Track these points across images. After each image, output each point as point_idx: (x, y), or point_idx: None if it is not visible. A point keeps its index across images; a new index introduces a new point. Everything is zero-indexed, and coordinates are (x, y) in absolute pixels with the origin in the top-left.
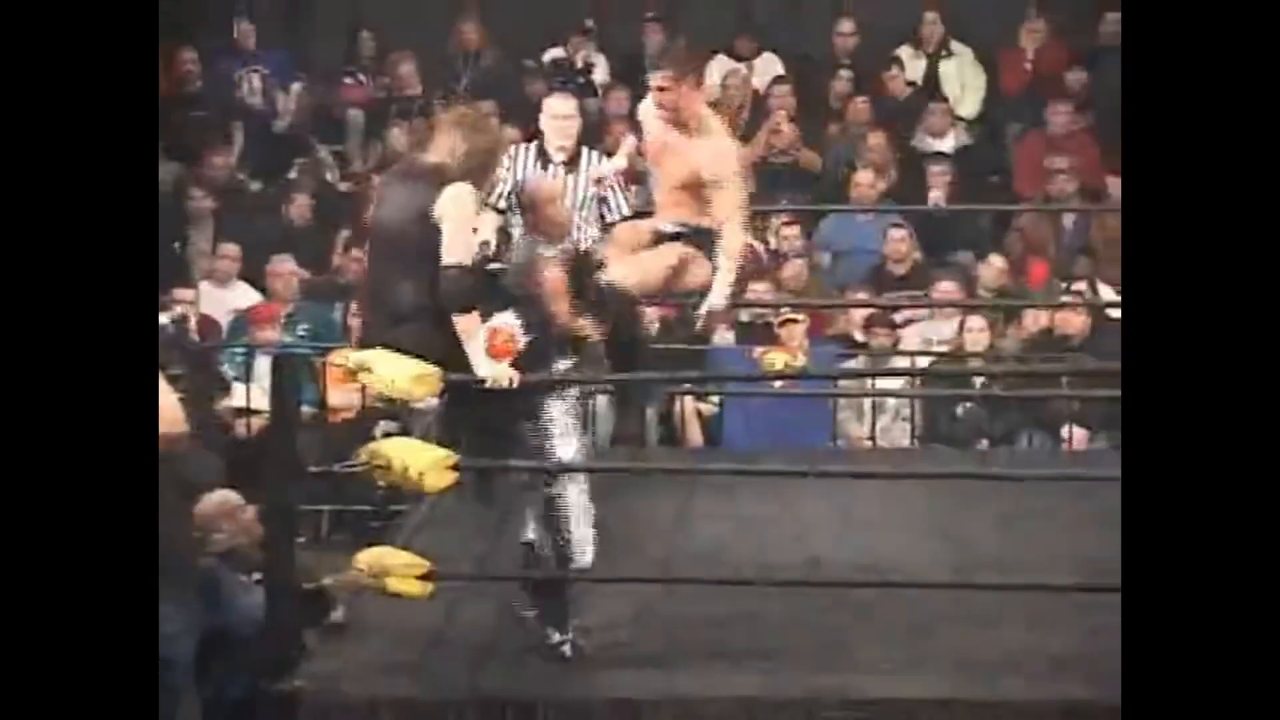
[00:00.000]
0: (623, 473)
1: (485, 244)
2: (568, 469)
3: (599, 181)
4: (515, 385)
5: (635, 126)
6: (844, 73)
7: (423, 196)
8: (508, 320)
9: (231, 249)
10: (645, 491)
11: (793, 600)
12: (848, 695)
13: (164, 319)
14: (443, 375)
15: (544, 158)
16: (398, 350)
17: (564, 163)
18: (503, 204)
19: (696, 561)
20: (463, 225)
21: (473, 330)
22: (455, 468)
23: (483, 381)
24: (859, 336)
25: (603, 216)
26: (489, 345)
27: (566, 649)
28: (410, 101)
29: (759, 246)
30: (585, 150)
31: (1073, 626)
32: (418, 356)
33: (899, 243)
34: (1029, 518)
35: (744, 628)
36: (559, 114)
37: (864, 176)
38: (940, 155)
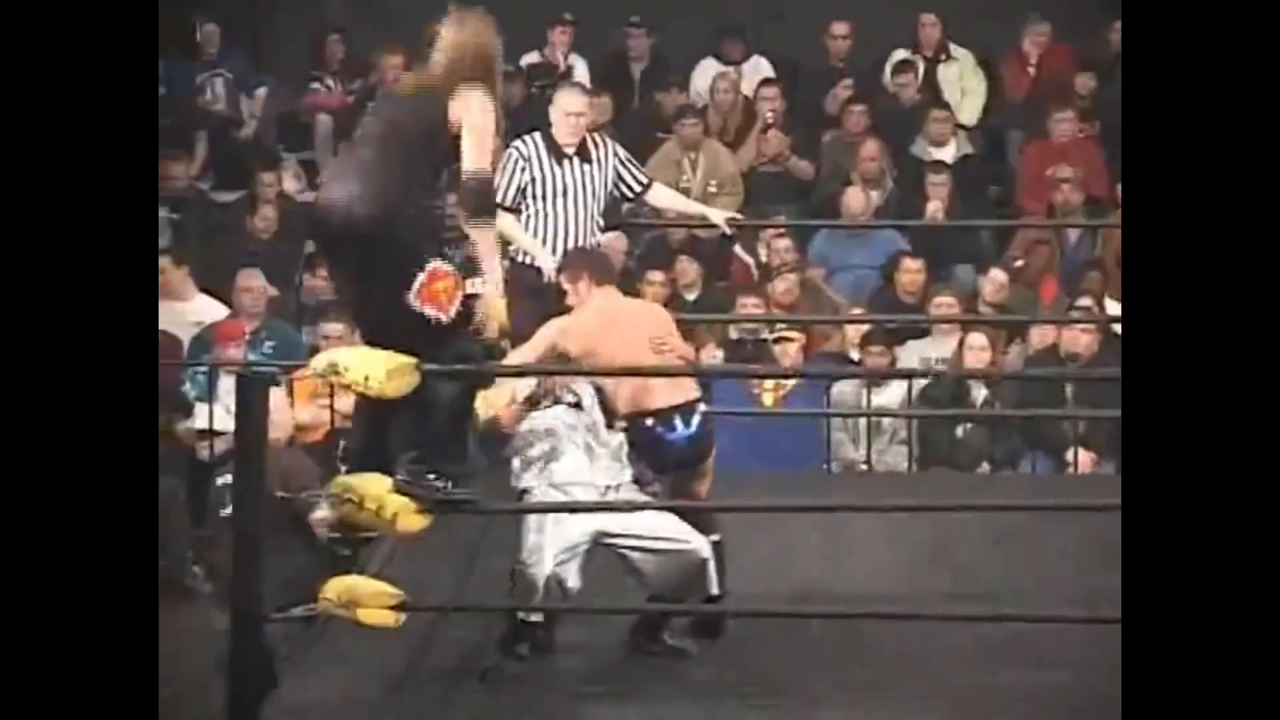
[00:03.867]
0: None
1: None
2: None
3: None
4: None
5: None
6: (844, 80)
7: (436, 106)
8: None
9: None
10: None
11: (782, 628)
12: None
13: None
14: (417, 365)
15: (556, 151)
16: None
17: (577, 154)
18: (514, 200)
19: None
20: (484, 132)
21: (491, 245)
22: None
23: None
24: (855, 355)
25: (624, 193)
26: (426, 287)
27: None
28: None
29: (748, 259)
30: (588, 138)
31: (1069, 659)
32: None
33: (915, 274)
34: (1027, 543)
35: (721, 659)
36: (571, 110)
37: (856, 190)
38: (940, 165)
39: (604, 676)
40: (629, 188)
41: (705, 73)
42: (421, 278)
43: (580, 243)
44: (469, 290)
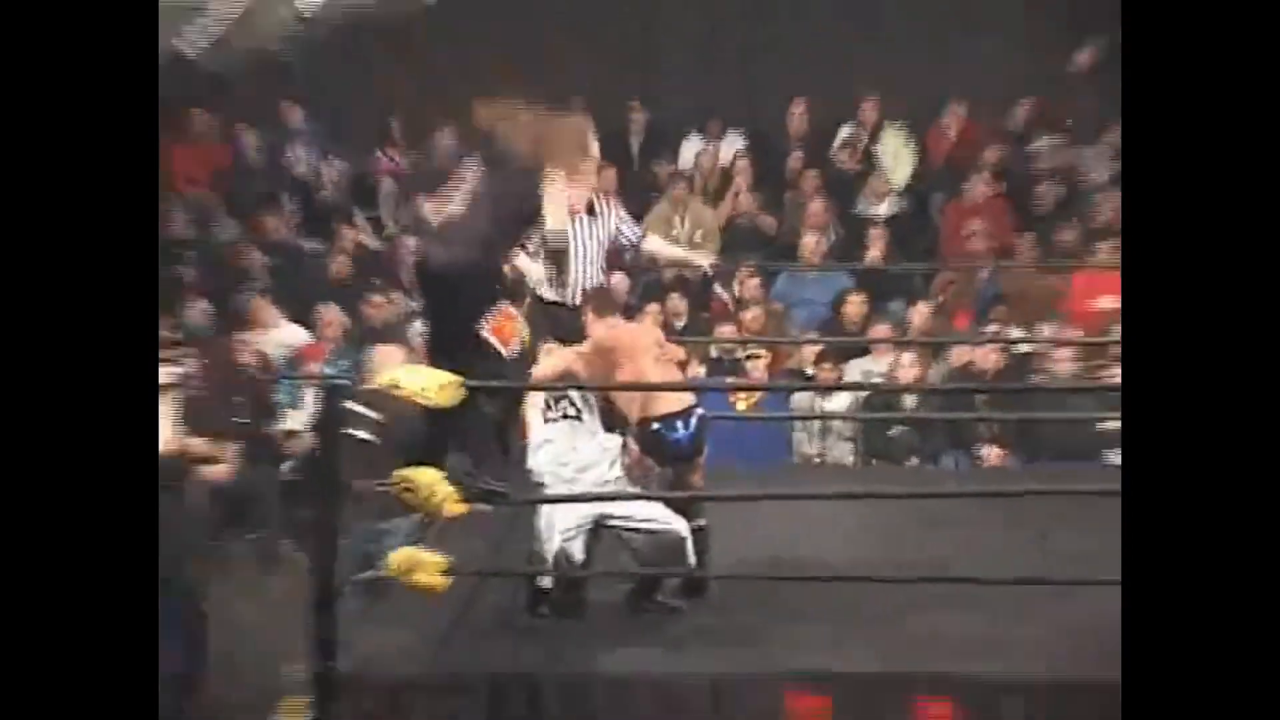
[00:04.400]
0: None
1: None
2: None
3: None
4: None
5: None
6: (797, 150)
7: (531, 182)
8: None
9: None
10: None
11: (755, 589)
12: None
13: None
14: (463, 382)
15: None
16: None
17: (585, 212)
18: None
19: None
20: (560, 204)
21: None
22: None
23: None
24: (810, 370)
25: (624, 244)
26: (494, 322)
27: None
28: (440, 173)
29: (724, 295)
30: (594, 199)
31: (995, 612)
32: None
33: (858, 306)
34: (951, 521)
35: (704, 614)
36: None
37: (809, 239)
38: (878, 219)
39: (608, 630)
40: (628, 239)
41: (691, 146)
42: (493, 315)
43: (590, 282)
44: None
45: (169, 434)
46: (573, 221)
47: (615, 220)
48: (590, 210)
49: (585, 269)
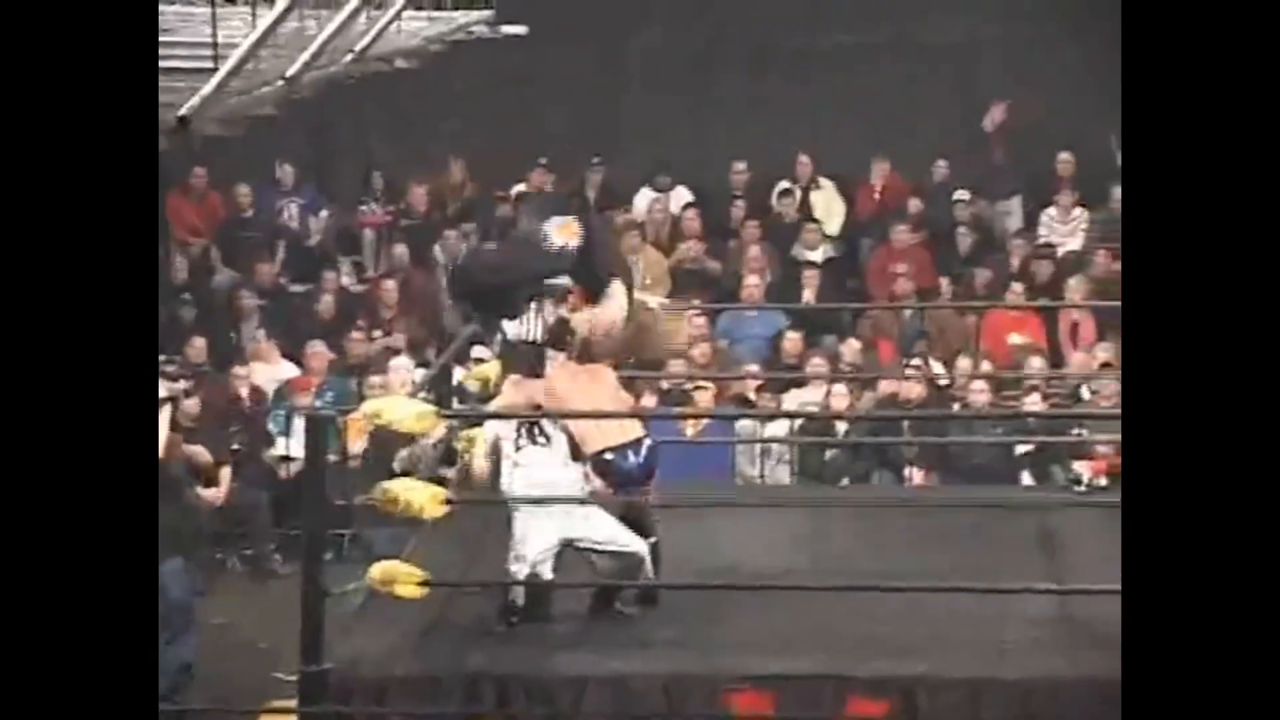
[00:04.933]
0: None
1: None
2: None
3: None
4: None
5: None
6: (737, 199)
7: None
8: None
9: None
10: None
11: (709, 598)
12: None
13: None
14: (437, 411)
15: None
16: None
17: None
18: None
19: None
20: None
21: None
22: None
23: None
24: (752, 398)
25: None
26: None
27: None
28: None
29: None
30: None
31: (919, 619)
32: None
33: (794, 342)
34: (882, 534)
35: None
36: None
37: (750, 280)
38: (812, 264)
39: (571, 635)
40: None
41: (644, 198)
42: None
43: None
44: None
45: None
46: None
47: None
48: None
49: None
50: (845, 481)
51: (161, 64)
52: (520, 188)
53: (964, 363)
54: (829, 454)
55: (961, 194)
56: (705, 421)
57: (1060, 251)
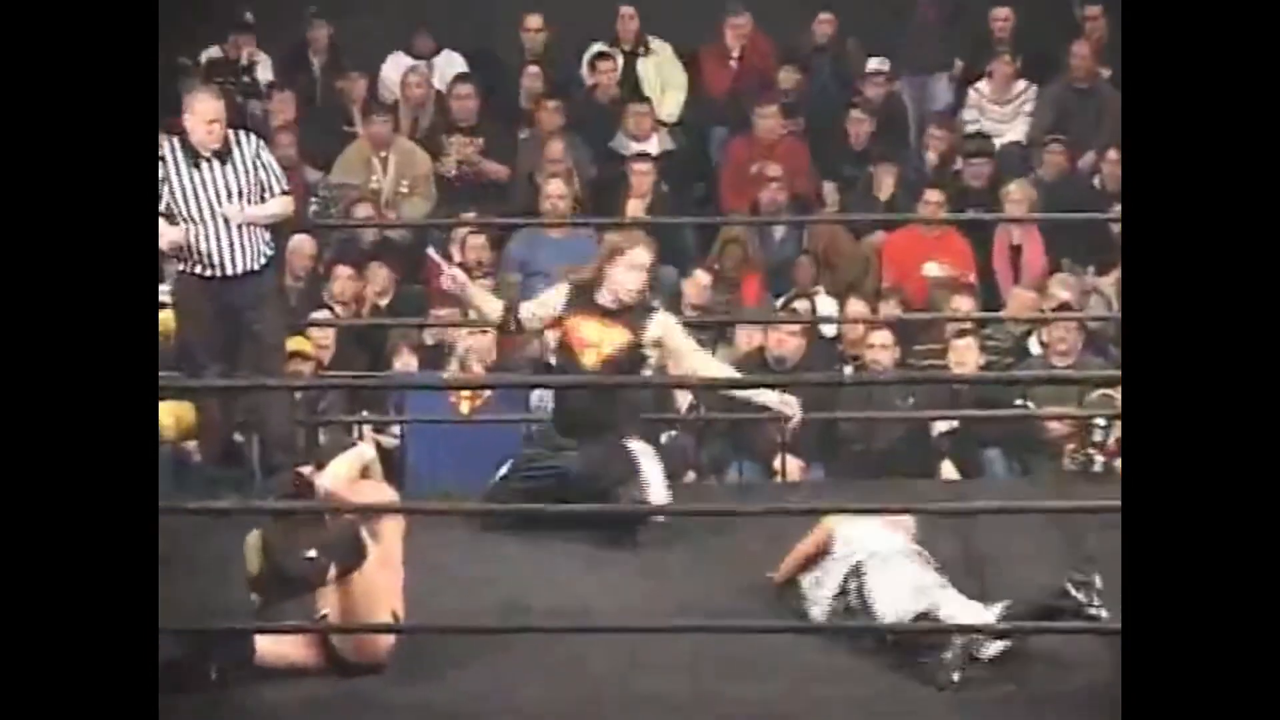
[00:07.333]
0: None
1: None
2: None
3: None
4: None
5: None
6: (532, 69)
7: None
8: None
9: None
10: None
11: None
12: None
13: None
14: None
15: (193, 154)
16: None
17: (215, 154)
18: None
19: None
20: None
21: None
22: None
23: None
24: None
25: (264, 194)
26: None
27: None
28: None
29: (444, 264)
30: (232, 134)
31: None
32: None
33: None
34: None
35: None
36: (207, 118)
37: (554, 186)
38: (644, 156)
39: None
40: (269, 186)
41: (394, 66)
42: None
43: (232, 248)
44: None
45: None
46: (194, 164)
47: (256, 163)
48: (221, 154)
49: (218, 231)
50: (690, 476)
51: None
52: (213, 53)
53: (858, 304)
54: (666, 435)
55: (863, 62)
56: (487, 393)
57: (997, 144)
